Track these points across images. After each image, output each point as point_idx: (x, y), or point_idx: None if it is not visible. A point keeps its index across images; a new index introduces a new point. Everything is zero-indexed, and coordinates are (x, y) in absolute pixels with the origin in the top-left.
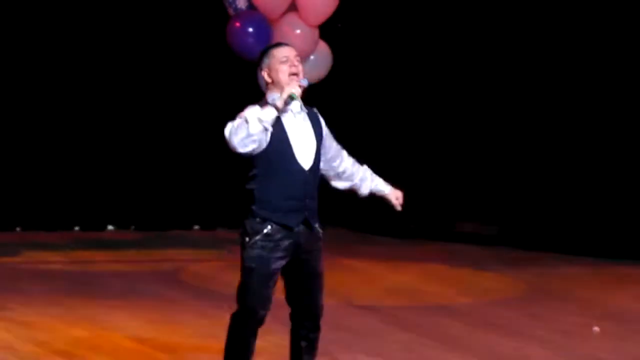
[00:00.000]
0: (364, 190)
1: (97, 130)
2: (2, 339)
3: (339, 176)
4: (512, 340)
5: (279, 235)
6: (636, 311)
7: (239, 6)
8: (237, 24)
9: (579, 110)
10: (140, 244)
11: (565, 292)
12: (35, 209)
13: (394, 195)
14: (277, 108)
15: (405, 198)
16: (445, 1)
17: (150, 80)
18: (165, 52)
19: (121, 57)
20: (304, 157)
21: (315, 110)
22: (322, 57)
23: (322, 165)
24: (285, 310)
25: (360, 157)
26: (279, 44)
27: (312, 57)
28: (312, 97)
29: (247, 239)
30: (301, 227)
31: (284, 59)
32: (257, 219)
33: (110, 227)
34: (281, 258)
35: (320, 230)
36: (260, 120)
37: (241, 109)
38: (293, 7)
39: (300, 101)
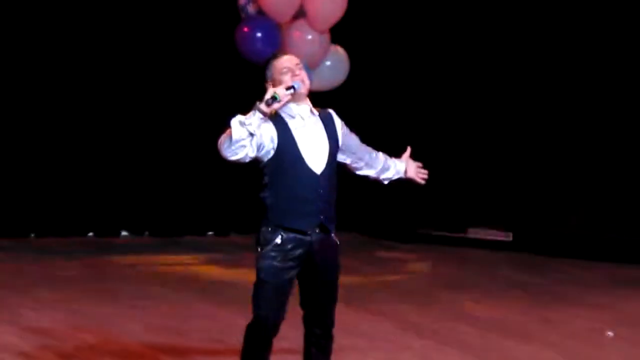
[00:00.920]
0: (389, 176)
1: (112, 137)
2: (15, 345)
3: (367, 165)
4: (527, 345)
5: (290, 245)
6: None
7: (250, 11)
8: (246, 29)
9: (596, 117)
10: (154, 249)
11: (579, 298)
12: (49, 215)
13: (414, 173)
14: (260, 110)
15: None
16: (463, 7)
17: (166, 88)
18: (180, 59)
19: (137, 65)
20: (315, 162)
21: (330, 112)
22: (339, 63)
23: (349, 160)
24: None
25: None
26: (278, 54)
27: (329, 62)
28: (328, 102)
29: (259, 248)
30: (315, 235)
31: (285, 70)
32: (270, 228)
33: (124, 233)
34: (293, 268)
35: (336, 240)
36: (242, 124)
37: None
38: (302, 13)
39: (310, 105)
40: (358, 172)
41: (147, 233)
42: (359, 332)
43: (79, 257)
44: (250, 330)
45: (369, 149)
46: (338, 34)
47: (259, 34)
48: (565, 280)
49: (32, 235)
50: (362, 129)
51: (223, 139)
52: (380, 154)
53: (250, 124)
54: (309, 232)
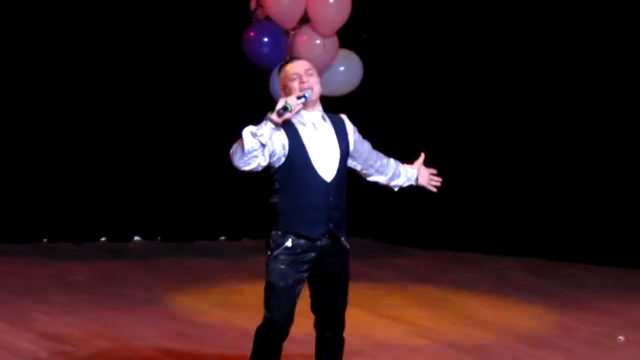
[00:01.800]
0: (400, 183)
1: (125, 142)
2: (28, 350)
3: (377, 172)
4: (537, 350)
5: (300, 249)
6: None
7: (258, 16)
8: (252, 34)
9: (605, 122)
10: (167, 254)
11: (590, 302)
12: (61, 220)
13: (426, 180)
14: (272, 121)
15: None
16: (478, 12)
17: (180, 95)
18: (192, 62)
19: (149, 71)
20: (325, 169)
21: (342, 117)
22: (352, 68)
23: (359, 167)
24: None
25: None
26: (290, 60)
27: (342, 67)
28: (342, 107)
29: (269, 252)
30: (325, 240)
31: (294, 76)
32: (279, 232)
33: (136, 238)
34: (303, 271)
35: (347, 245)
36: (254, 135)
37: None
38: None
39: (322, 111)
40: (368, 179)
41: (159, 238)
42: (372, 337)
43: (91, 262)
44: (260, 333)
45: (381, 155)
46: (351, 38)
47: (265, 39)
48: (577, 284)
49: (45, 240)
50: (376, 134)
51: (235, 149)
52: (392, 160)
53: (262, 135)
54: (318, 241)
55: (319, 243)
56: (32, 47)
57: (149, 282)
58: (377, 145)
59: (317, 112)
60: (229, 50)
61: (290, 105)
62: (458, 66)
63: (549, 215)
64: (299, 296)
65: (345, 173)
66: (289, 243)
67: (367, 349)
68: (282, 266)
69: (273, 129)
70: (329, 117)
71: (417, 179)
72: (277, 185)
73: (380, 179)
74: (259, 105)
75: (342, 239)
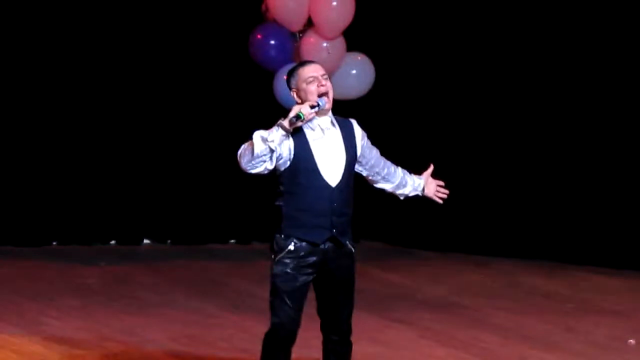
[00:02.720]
0: (406, 192)
1: (135, 145)
2: (39, 354)
3: (383, 179)
4: (549, 353)
5: (303, 252)
6: None
7: (269, 18)
8: (259, 36)
9: (619, 127)
10: (176, 257)
11: (600, 305)
12: (71, 223)
13: (432, 192)
14: (283, 127)
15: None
16: (493, 17)
17: (191, 97)
18: (202, 65)
19: (159, 74)
20: (331, 174)
21: (351, 122)
22: (364, 72)
23: (366, 173)
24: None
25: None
26: (305, 63)
27: (354, 71)
28: (353, 111)
29: (273, 256)
30: (328, 244)
31: (311, 79)
32: (283, 236)
33: (146, 241)
34: (307, 274)
35: (351, 248)
36: (264, 141)
37: (275, 122)
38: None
39: (331, 116)
40: (375, 185)
41: (169, 241)
42: (381, 340)
43: (101, 265)
44: (268, 339)
45: (388, 163)
46: (362, 42)
47: (272, 42)
48: (588, 288)
49: (55, 243)
50: (386, 138)
51: (243, 151)
52: (399, 169)
53: (272, 141)
54: (321, 245)
55: (322, 246)
56: (46, 52)
57: (158, 285)
58: (387, 149)
59: (326, 116)
60: (236, 53)
61: (303, 115)
62: (471, 70)
63: (560, 218)
64: (305, 299)
65: (352, 178)
66: (291, 246)
67: (378, 353)
68: (286, 270)
69: (283, 135)
70: (338, 121)
71: (423, 190)
72: (281, 188)
73: (387, 186)
74: (266, 107)
75: (347, 242)
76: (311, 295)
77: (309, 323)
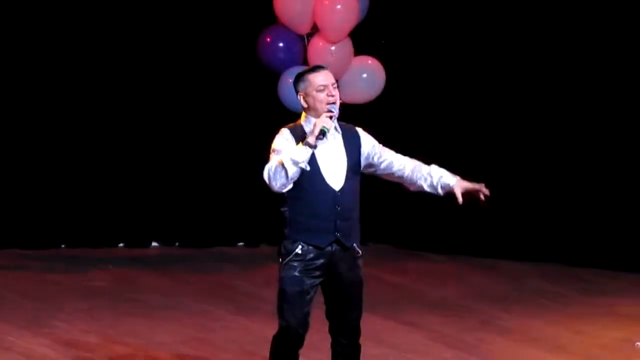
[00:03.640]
0: (431, 190)
1: (142, 148)
2: (47, 356)
3: (408, 180)
4: (556, 356)
5: (311, 255)
6: None
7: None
8: (268, 39)
9: (626, 130)
10: (185, 260)
11: (607, 308)
12: (79, 226)
13: (459, 190)
14: (310, 145)
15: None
16: (505, 20)
17: (200, 101)
18: (211, 67)
19: (168, 77)
20: (334, 178)
21: (356, 129)
22: (374, 75)
23: (379, 171)
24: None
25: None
26: (316, 68)
27: (364, 75)
28: (364, 115)
29: (281, 259)
30: (335, 247)
31: (321, 88)
32: (289, 240)
33: (154, 244)
34: (315, 277)
35: (359, 251)
36: (296, 163)
37: (281, 125)
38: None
39: (336, 122)
40: (411, 189)
41: (177, 244)
42: (389, 343)
43: (109, 268)
44: (276, 342)
45: (409, 160)
46: (371, 45)
47: (281, 44)
48: (595, 290)
49: (63, 246)
50: (398, 141)
51: (273, 175)
52: (426, 166)
53: (303, 161)
54: (326, 248)
55: (329, 249)
56: (54, 55)
57: (166, 288)
58: (398, 152)
59: (331, 122)
60: (243, 55)
61: (327, 129)
62: (482, 74)
63: (567, 220)
64: (313, 302)
65: (357, 182)
66: (298, 250)
67: (386, 355)
68: (294, 273)
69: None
70: (342, 127)
71: (452, 186)
72: (286, 193)
73: (413, 187)
74: (271, 109)
75: (355, 245)
76: (320, 298)
77: (318, 325)
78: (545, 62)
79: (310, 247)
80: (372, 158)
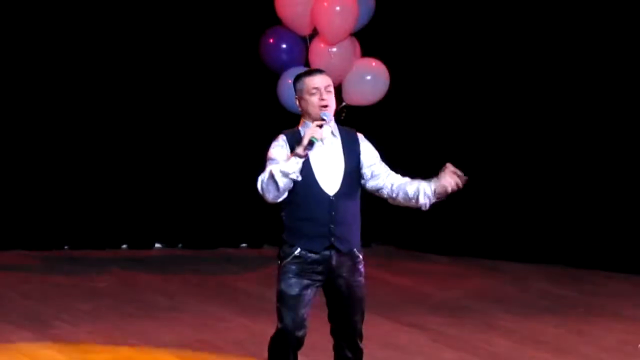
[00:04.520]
0: (420, 202)
1: (145, 149)
2: (50, 357)
3: (390, 193)
4: (559, 358)
5: (308, 259)
6: None
7: None
8: (271, 40)
9: (630, 131)
10: (188, 261)
11: (612, 310)
12: (83, 227)
13: (444, 186)
14: (299, 156)
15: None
16: (510, 22)
17: (199, 101)
18: (214, 68)
19: (171, 80)
20: (328, 183)
21: (356, 133)
22: (379, 77)
23: (368, 185)
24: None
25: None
26: (311, 72)
27: (369, 77)
28: (367, 118)
29: (279, 262)
30: (332, 252)
31: (314, 91)
32: (287, 244)
33: (157, 245)
34: (313, 280)
35: (359, 255)
36: (286, 175)
37: (282, 127)
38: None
39: (335, 126)
40: (390, 201)
41: (180, 245)
42: (393, 344)
43: (112, 269)
44: (273, 343)
45: (394, 175)
46: (377, 47)
47: (283, 45)
48: (599, 292)
49: (66, 247)
50: (400, 145)
51: (266, 187)
52: (409, 181)
53: (293, 172)
54: (322, 252)
55: (326, 254)
56: (59, 57)
57: (170, 290)
58: (401, 154)
59: (327, 127)
60: (245, 57)
61: (316, 140)
62: (486, 76)
63: (571, 222)
64: (310, 305)
65: (355, 187)
66: (297, 252)
67: (389, 357)
68: (292, 275)
69: (300, 163)
70: (340, 131)
71: (437, 184)
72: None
73: (396, 202)
74: (272, 111)
75: (354, 250)
76: (321, 299)
77: (318, 325)
78: (555, 66)
79: (308, 252)
80: (366, 161)
